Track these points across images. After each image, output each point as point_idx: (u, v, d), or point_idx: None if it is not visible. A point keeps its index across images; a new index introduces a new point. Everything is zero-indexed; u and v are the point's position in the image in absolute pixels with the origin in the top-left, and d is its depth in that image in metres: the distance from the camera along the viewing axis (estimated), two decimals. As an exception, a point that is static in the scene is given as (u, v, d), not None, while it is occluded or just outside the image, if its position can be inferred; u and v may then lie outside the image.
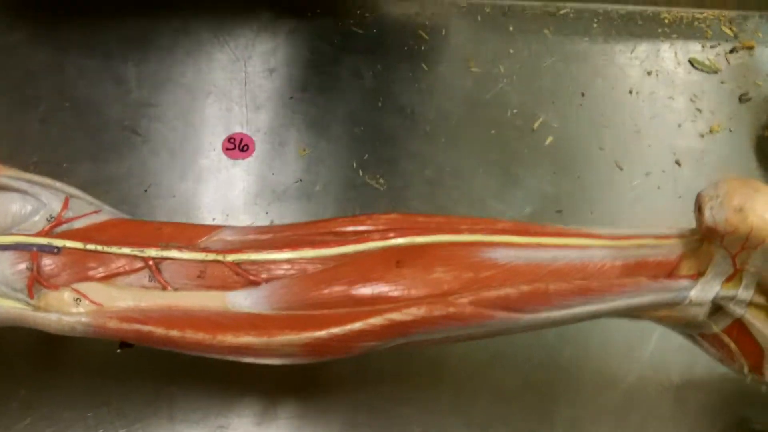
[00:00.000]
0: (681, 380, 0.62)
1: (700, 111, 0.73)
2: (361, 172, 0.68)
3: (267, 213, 0.66)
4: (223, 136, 0.69)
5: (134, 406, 0.58)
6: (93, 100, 0.70)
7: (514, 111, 0.72)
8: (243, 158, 0.68)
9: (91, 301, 0.47)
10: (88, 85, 0.71)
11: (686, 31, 0.77)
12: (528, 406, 0.61)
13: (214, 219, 0.65)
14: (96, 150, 0.68)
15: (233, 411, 0.59)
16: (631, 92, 0.74)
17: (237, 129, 0.70)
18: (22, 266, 0.47)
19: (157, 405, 0.59)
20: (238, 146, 0.69)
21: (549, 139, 0.71)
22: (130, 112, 0.70)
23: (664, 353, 0.63)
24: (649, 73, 0.75)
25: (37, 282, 0.47)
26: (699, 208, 0.47)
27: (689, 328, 0.52)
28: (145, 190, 0.66)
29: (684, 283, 0.48)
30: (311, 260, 0.49)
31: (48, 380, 0.59)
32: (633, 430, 0.61)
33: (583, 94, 0.73)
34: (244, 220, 0.66)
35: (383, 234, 0.50)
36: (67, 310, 0.47)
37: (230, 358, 0.47)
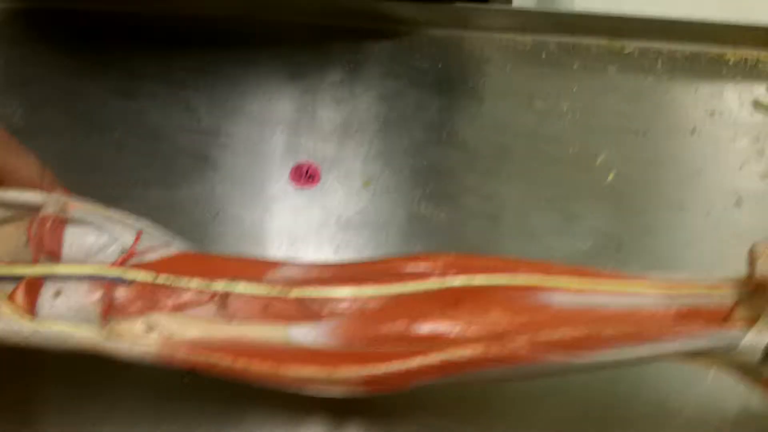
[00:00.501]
0: (737, 414, 0.62)
1: (761, 153, 0.73)
2: (423, 205, 0.70)
3: (331, 242, 0.68)
4: (290, 166, 0.71)
5: (204, 427, 0.60)
6: (164, 128, 0.73)
7: (576, 148, 0.73)
8: (309, 187, 0.70)
9: (161, 332, 0.49)
10: (160, 112, 0.73)
11: (750, 72, 0.77)
12: (582, 440, 0.61)
13: (280, 247, 0.67)
14: (167, 176, 0.70)
15: (301, 429, 0.60)
16: (693, 132, 0.74)
17: (304, 158, 0.71)
18: (96, 296, 0.50)
19: (226, 425, 0.60)
20: (304, 176, 0.71)
21: (610, 177, 0.71)
22: (200, 140, 0.72)
23: (720, 388, 0.63)
24: (711, 114, 0.75)
25: (110, 312, 0.49)
26: (751, 261, 0.48)
27: (743, 373, 0.53)
28: (214, 217, 0.68)
29: (737, 331, 0.49)
30: (371, 298, 0.51)
31: (114, 400, 0.61)
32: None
33: (645, 133, 0.74)
34: (309, 248, 0.67)
35: (442, 274, 0.52)
36: (138, 340, 0.48)
37: (293, 389, 0.49)
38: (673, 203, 0.71)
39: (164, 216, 0.64)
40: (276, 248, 0.67)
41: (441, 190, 0.70)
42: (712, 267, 0.67)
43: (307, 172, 0.71)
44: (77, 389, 0.61)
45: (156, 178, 0.70)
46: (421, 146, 0.72)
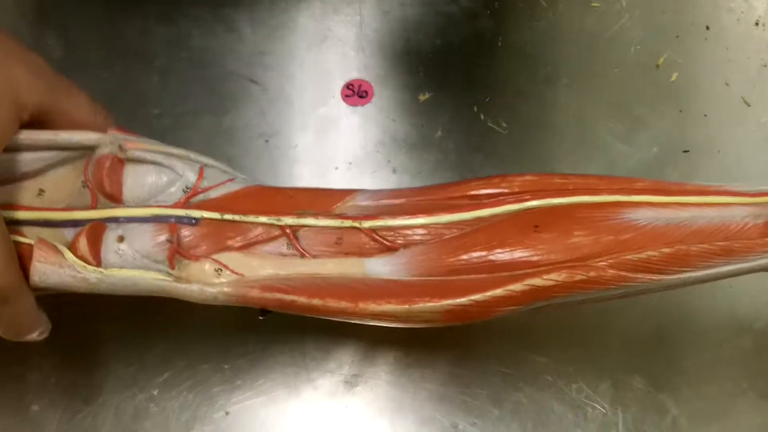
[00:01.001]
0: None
1: (829, 42, 0.70)
2: (482, 116, 0.67)
3: (389, 161, 0.66)
4: (341, 83, 0.69)
5: (270, 356, 0.60)
6: (208, 51, 0.70)
7: (638, 48, 0.70)
8: (362, 105, 0.68)
9: (232, 271, 0.48)
10: (202, 35, 0.71)
11: (817, -45, 0.74)
12: (659, 354, 0.61)
13: (337, 168, 0.65)
14: (215, 101, 0.68)
15: (367, 361, 0.59)
16: (757, 24, 0.71)
17: (354, 75, 0.69)
18: (162, 238, 0.48)
19: (290, 354, 0.60)
20: (356, 93, 0.68)
21: (674, 77, 0.69)
22: (246, 62, 0.70)
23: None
24: (776, 3, 0.72)
25: (177, 253, 0.48)
26: None
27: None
28: (266, 140, 0.66)
29: (830, 238, 0.47)
30: (447, 225, 0.49)
31: (184, 335, 0.60)
32: (764, 374, 0.60)
33: (708, 27, 0.71)
34: (366, 169, 0.65)
35: (519, 197, 0.50)
36: (209, 280, 0.47)
37: (371, 323, 0.48)
38: (740, 100, 0.68)
39: (216, 143, 0.63)
40: (332, 171, 0.65)
41: (499, 100, 0.68)
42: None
43: (359, 88, 0.68)
44: (143, 329, 0.60)
45: (204, 105, 0.68)
46: (475, 55, 0.70)
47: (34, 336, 0.48)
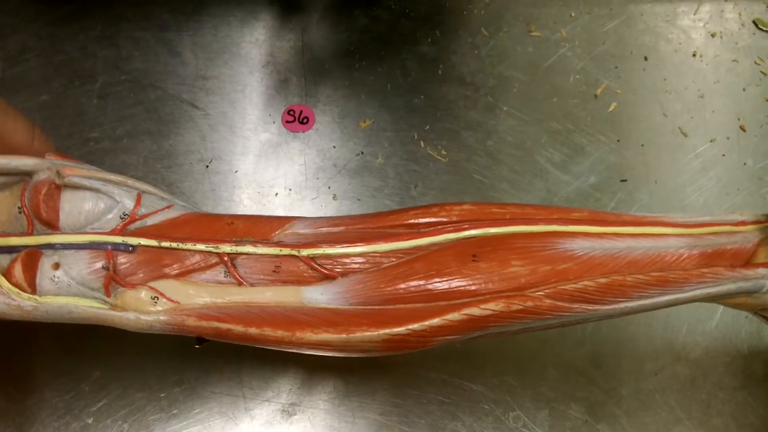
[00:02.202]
0: (749, 351, 0.62)
1: (764, 74, 0.71)
2: (422, 144, 0.68)
3: (329, 187, 0.66)
4: (282, 108, 0.69)
5: (207, 384, 0.59)
6: (149, 74, 0.70)
7: (577, 77, 0.71)
8: (303, 131, 0.68)
9: (168, 299, 0.47)
10: (144, 58, 0.70)
11: (751, -10, 0.75)
12: (595, 381, 0.61)
13: (276, 194, 0.65)
14: (155, 125, 0.68)
15: (305, 389, 0.59)
16: (695, 55, 0.72)
17: (296, 101, 0.69)
18: (98, 265, 0.47)
19: (227, 384, 0.59)
20: (297, 118, 0.68)
21: (612, 106, 0.70)
22: (188, 86, 0.69)
23: (730, 324, 0.63)
24: (713, 35, 0.73)
25: (113, 281, 0.47)
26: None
27: (764, 311, 0.52)
28: (207, 166, 0.66)
29: (762, 271, 0.48)
30: (385, 254, 0.49)
31: (121, 362, 0.60)
32: (700, 403, 0.61)
33: (646, 58, 0.72)
34: (306, 195, 0.65)
35: (457, 226, 0.50)
36: (145, 308, 0.47)
37: (308, 353, 0.47)
38: (677, 131, 0.69)
39: (156, 168, 0.62)
40: (272, 197, 0.65)
41: (440, 127, 0.68)
42: (720, 194, 0.66)
43: (300, 114, 0.68)
44: (78, 356, 0.60)
45: (144, 128, 0.67)
46: (417, 82, 0.70)
47: None
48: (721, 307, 0.62)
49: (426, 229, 0.50)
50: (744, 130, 0.69)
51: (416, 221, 0.51)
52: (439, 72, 0.70)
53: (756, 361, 0.62)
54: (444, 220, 0.51)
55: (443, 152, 0.67)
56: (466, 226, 0.50)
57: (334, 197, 0.65)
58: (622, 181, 0.67)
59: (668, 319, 0.62)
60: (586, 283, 0.47)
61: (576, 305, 0.47)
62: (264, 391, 0.59)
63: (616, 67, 0.71)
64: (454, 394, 0.60)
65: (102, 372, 0.59)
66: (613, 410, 0.60)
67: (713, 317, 0.63)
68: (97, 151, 0.65)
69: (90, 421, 0.58)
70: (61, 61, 0.69)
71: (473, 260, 0.48)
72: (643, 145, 0.68)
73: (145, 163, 0.64)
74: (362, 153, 0.67)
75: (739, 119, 0.69)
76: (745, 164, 0.68)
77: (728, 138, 0.69)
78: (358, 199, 0.65)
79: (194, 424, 0.58)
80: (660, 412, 0.60)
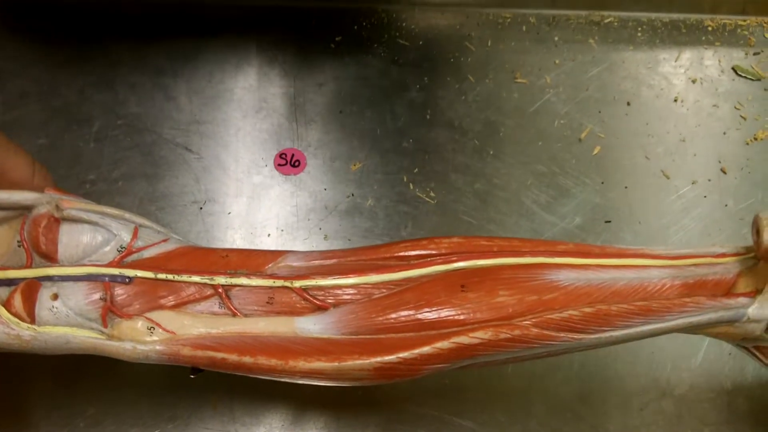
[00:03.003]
0: (733, 387, 0.63)
1: (744, 118, 0.73)
2: (411, 186, 0.69)
3: (320, 228, 0.67)
4: (275, 152, 0.70)
5: (200, 420, 0.60)
6: (145, 118, 0.72)
7: (561, 121, 0.73)
8: (295, 174, 0.69)
9: (164, 330, 0.48)
10: (140, 102, 0.72)
11: (730, 38, 0.77)
12: (583, 416, 0.62)
13: (269, 235, 0.66)
14: (150, 167, 0.69)
15: (297, 425, 0.60)
16: (676, 100, 0.74)
17: (288, 144, 0.71)
18: (96, 296, 0.48)
19: (220, 419, 0.60)
20: (289, 162, 0.70)
21: (596, 149, 0.71)
22: (182, 130, 0.71)
23: (714, 361, 0.64)
24: (693, 81, 0.75)
25: (110, 312, 0.48)
26: (757, 231, 0.48)
27: (745, 342, 0.53)
28: (201, 207, 0.67)
29: (742, 300, 0.49)
30: (376, 285, 0.50)
31: (114, 398, 0.60)
32: (686, 438, 0.62)
33: (628, 104, 0.74)
34: (298, 236, 0.67)
35: (446, 258, 0.51)
36: (141, 338, 0.48)
37: (301, 381, 0.48)
38: (659, 173, 0.71)
39: (150, 209, 0.64)
40: (266, 237, 0.66)
41: (429, 170, 0.70)
42: (702, 235, 0.68)
43: (292, 158, 0.70)
44: (73, 392, 0.60)
45: (139, 171, 0.69)
46: (406, 126, 0.72)
47: None
48: (705, 344, 0.64)
49: (416, 261, 0.51)
50: (725, 173, 0.71)
51: (406, 254, 0.52)
52: (428, 117, 0.72)
53: (740, 396, 0.63)
54: (433, 252, 0.52)
55: (432, 194, 0.68)
56: (455, 258, 0.51)
57: (325, 237, 0.66)
58: (607, 222, 0.68)
59: (653, 357, 0.63)
60: (571, 312, 0.48)
61: (562, 334, 0.48)
62: (256, 426, 0.60)
63: (599, 112, 0.73)
64: (444, 429, 0.61)
65: (96, 408, 0.60)
66: (600, 445, 0.61)
67: (697, 354, 0.64)
68: (94, 192, 0.66)
69: (84, 457, 0.58)
70: (59, 105, 0.71)
71: (462, 290, 0.49)
72: (626, 187, 0.70)
73: (140, 204, 0.65)
74: (353, 195, 0.68)
75: (720, 162, 0.71)
76: (726, 205, 0.69)
77: (709, 180, 0.70)
78: (349, 240, 0.66)
79: (187, 460, 0.58)
80: (646, 447, 0.61)
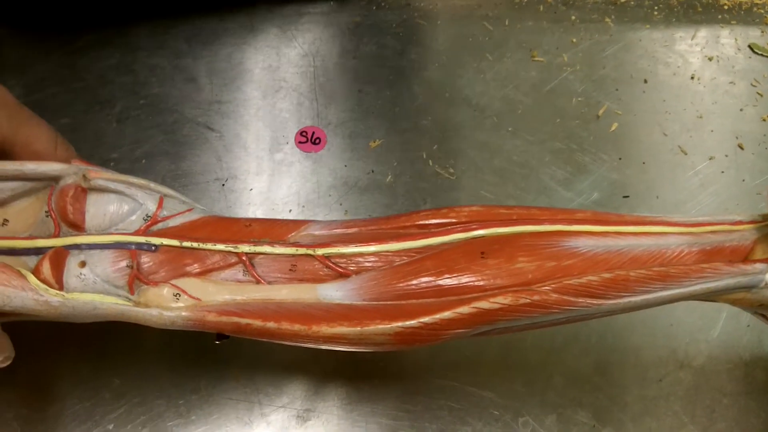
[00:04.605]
0: (751, 358, 0.63)
1: (761, 95, 0.74)
2: (430, 163, 0.70)
3: (341, 204, 0.68)
4: (295, 130, 0.71)
5: (223, 391, 0.60)
6: (166, 98, 0.72)
7: (579, 99, 0.73)
8: (315, 151, 0.70)
9: (190, 296, 0.49)
10: (161, 83, 0.73)
11: (745, 16, 0.78)
12: (600, 388, 0.62)
13: (290, 211, 0.67)
14: (172, 147, 0.70)
15: (319, 396, 0.60)
16: (693, 78, 0.75)
17: (308, 123, 0.71)
18: (123, 264, 0.49)
19: (243, 390, 0.61)
20: (310, 139, 0.71)
21: (614, 126, 0.72)
22: (203, 109, 0.72)
23: (732, 333, 0.64)
24: (710, 59, 0.76)
25: (137, 279, 0.49)
26: (770, 200, 0.48)
27: (762, 308, 0.53)
28: (223, 185, 0.68)
29: (759, 266, 0.50)
30: (397, 252, 0.51)
31: (138, 370, 0.61)
32: (704, 408, 0.62)
33: (645, 81, 0.74)
34: (319, 212, 0.67)
35: (466, 226, 0.52)
36: (167, 305, 0.48)
37: (324, 347, 0.49)
38: (677, 149, 0.71)
39: (173, 187, 0.64)
40: (287, 213, 0.67)
41: (448, 147, 0.71)
42: (719, 210, 0.68)
43: (312, 135, 0.71)
44: (97, 365, 0.61)
45: (161, 150, 0.70)
46: (424, 105, 0.73)
47: None
48: (723, 316, 0.64)
49: (436, 230, 0.52)
50: (742, 149, 0.71)
51: (427, 222, 0.53)
52: (446, 95, 0.73)
53: (757, 368, 0.63)
54: (453, 221, 0.53)
55: (451, 170, 0.69)
56: (475, 226, 0.52)
57: (346, 213, 0.67)
58: (625, 197, 0.69)
59: (671, 329, 0.64)
60: (590, 278, 0.49)
61: (581, 299, 0.49)
62: (279, 397, 0.60)
63: (616, 90, 0.74)
64: (463, 400, 0.61)
65: (121, 380, 0.60)
66: (618, 416, 0.61)
67: (715, 326, 0.64)
68: (117, 171, 0.67)
69: (111, 428, 0.59)
70: (81, 87, 0.72)
71: (482, 257, 0.50)
72: (644, 163, 0.70)
73: (163, 182, 0.65)
74: (372, 171, 0.69)
75: (737, 138, 0.72)
76: (743, 181, 0.70)
77: (726, 156, 0.71)
78: (369, 215, 0.67)
79: (212, 430, 0.59)
80: (665, 417, 0.62)
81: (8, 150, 0.51)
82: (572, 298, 0.49)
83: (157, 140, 0.70)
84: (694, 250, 0.51)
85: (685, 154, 0.71)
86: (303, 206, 0.68)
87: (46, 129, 0.53)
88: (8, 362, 0.49)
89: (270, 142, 0.70)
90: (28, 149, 0.52)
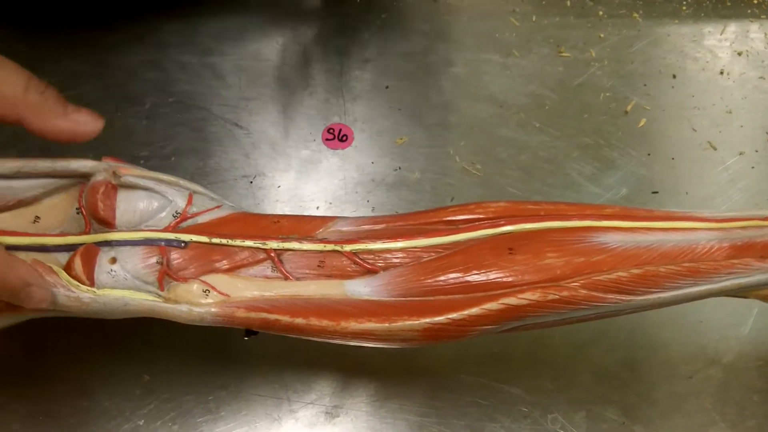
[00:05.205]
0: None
1: (791, 90, 0.73)
2: (457, 159, 0.70)
3: (368, 201, 0.68)
4: (322, 127, 0.71)
5: (252, 387, 0.61)
6: (195, 96, 0.73)
7: (607, 95, 0.73)
8: (342, 148, 0.70)
9: (219, 292, 0.49)
10: (189, 81, 0.73)
11: (775, 10, 0.78)
12: (629, 384, 0.62)
13: (318, 208, 0.67)
14: (200, 144, 0.70)
15: (347, 392, 0.60)
16: (722, 73, 0.74)
17: (335, 120, 0.72)
18: (153, 260, 0.50)
19: (271, 386, 0.61)
20: (337, 136, 0.71)
21: (642, 122, 0.72)
22: (231, 106, 0.72)
23: (763, 329, 0.64)
24: (739, 54, 0.75)
25: (166, 275, 0.49)
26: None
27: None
28: (251, 182, 0.68)
29: (792, 262, 0.49)
30: (425, 249, 0.51)
31: (167, 367, 0.61)
32: (734, 406, 0.61)
33: (674, 76, 0.74)
34: (346, 208, 0.67)
35: (493, 222, 0.52)
36: (197, 301, 0.49)
37: (352, 343, 0.49)
38: (706, 145, 0.71)
39: (202, 183, 0.64)
40: (314, 210, 0.67)
41: (474, 143, 0.71)
42: (749, 206, 0.68)
43: (339, 132, 0.71)
44: (127, 361, 0.61)
45: (189, 147, 0.70)
46: (451, 101, 0.73)
47: (35, 298, 0.46)
48: (754, 312, 0.63)
49: (463, 226, 0.52)
50: (772, 144, 0.71)
51: (454, 218, 0.53)
52: (473, 91, 0.73)
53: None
54: (481, 216, 0.53)
55: (477, 167, 0.69)
56: (502, 222, 0.52)
57: (373, 210, 0.67)
58: (654, 193, 0.68)
59: (701, 326, 0.63)
60: (619, 273, 0.49)
61: (610, 295, 0.49)
62: (307, 393, 0.61)
63: (644, 85, 0.73)
64: (491, 396, 0.61)
65: (151, 376, 0.61)
66: (647, 412, 0.61)
67: (746, 323, 0.64)
68: (147, 168, 0.67)
69: (141, 423, 0.59)
70: (112, 84, 0.72)
71: (509, 253, 0.50)
72: (673, 159, 0.70)
73: (191, 179, 0.65)
74: (399, 168, 0.69)
75: (767, 133, 0.71)
76: (774, 176, 0.70)
77: (757, 151, 0.70)
78: (396, 212, 0.67)
79: (241, 426, 0.59)
80: (694, 414, 0.61)
81: None
82: (601, 294, 0.48)
83: (185, 137, 0.70)
84: (724, 246, 0.51)
85: (715, 149, 0.71)
86: (330, 203, 0.68)
87: (15, 71, 0.47)
88: (45, 303, 0.47)
89: (297, 139, 0.71)
90: None
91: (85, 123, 0.48)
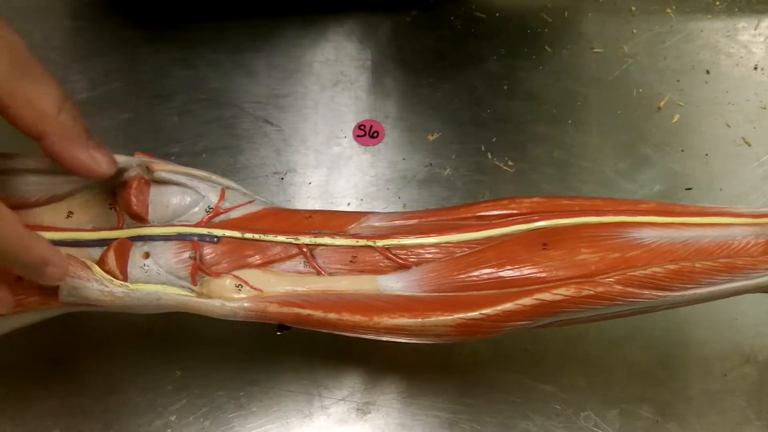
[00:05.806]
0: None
1: (825, 85, 0.73)
2: (489, 155, 0.70)
3: (399, 197, 0.68)
4: (353, 124, 0.71)
5: (283, 383, 0.61)
6: (225, 93, 0.73)
7: (640, 90, 0.72)
8: (373, 144, 0.70)
9: (252, 287, 0.49)
10: (220, 78, 0.73)
11: (810, 4, 0.77)
12: (664, 382, 0.61)
13: (349, 204, 0.67)
14: (232, 140, 0.70)
15: (378, 389, 0.60)
16: (756, 68, 0.74)
17: (366, 116, 0.71)
18: (185, 255, 0.50)
19: (302, 382, 0.61)
20: (368, 133, 0.71)
21: (675, 118, 0.71)
22: (262, 103, 0.72)
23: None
24: (773, 49, 0.75)
25: (199, 270, 0.50)
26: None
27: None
28: (282, 178, 0.68)
29: (829, 257, 0.49)
30: (458, 244, 0.51)
31: (201, 362, 0.61)
32: (769, 404, 0.61)
33: (707, 72, 0.73)
34: (377, 205, 0.67)
35: (527, 217, 0.52)
36: (229, 296, 0.49)
37: (384, 338, 0.49)
38: (740, 140, 0.70)
39: (233, 179, 0.64)
40: (346, 206, 0.67)
41: (507, 140, 0.70)
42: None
43: (370, 129, 0.71)
44: (158, 357, 0.62)
45: (221, 144, 0.70)
46: (483, 97, 0.72)
47: (53, 276, 0.45)
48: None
49: (497, 221, 0.52)
50: (807, 139, 0.70)
51: (487, 213, 0.53)
52: (505, 87, 0.72)
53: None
54: (514, 212, 0.52)
55: (510, 163, 0.69)
56: (536, 217, 0.51)
57: (404, 206, 0.67)
58: (688, 189, 0.68)
59: (736, 323, 0.63)
60: (655, 269, 0.48)
61: (645, 291, 0.48)
62: (338, 389, 0.60)
63: (678, 81, 0.73)
64: (523, 394, 0.61)
65: (183, 371, 0.61)
66: (682, 410, 0.61)
67: (779, 321, 0.63)
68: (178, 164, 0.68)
69: (173, 419, 0.59)
70: (143, 81, 0.73)
71: (543, 249, 0.50)
72: (707, 155, 0.69)
73: (223, 176, 0.65)
74: (431, 164, 0.69)
75: (801, 128, 0.70)
76: (809, 171, 0.69)
77: (792, 145, 0.70)
78: (427, 208, 0.67)
79: (272, 421, 0.59)
80: (729, 412, 0.61)
81: (5, 103, 0.44)
82: (636, 290, 0.48)
83: (216, 134, 0.70)
84: (760, 241, 0.50)
85: (749, 145, 0.70)
86: (361, 199, 0.68)
87: (55, 89, 0.46)
88: (62, 277, 0.46)
89: (328, 136, 0.71)
90: (29, 107, 0.45)
91: (101, 162, 0.48)
